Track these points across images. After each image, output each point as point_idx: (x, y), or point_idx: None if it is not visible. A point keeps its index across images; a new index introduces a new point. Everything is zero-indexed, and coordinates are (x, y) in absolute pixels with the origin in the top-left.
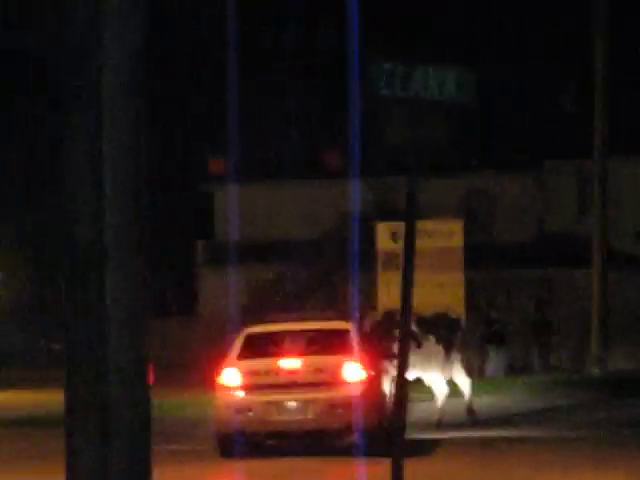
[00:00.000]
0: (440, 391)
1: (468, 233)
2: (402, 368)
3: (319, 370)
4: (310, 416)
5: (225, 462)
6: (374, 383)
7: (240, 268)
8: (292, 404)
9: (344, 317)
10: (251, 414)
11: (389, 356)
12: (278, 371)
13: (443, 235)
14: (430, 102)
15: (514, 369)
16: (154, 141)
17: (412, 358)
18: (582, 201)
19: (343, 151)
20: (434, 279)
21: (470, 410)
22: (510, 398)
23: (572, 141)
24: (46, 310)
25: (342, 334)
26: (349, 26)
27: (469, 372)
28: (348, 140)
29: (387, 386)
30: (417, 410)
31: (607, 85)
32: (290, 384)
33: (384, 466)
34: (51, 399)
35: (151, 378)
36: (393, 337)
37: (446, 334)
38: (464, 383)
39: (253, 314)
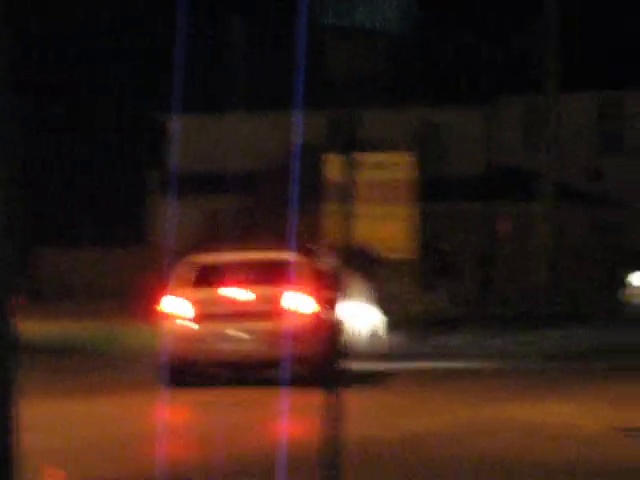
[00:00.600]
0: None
1: (420, 167)
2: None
3: (264, 300)
4: (255, 346)
5: (169, 391)
6: (322, 314)
7: (194, 198)
8: (237, 333)
9: (291, 248)
10: (196, 343)
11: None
12: (224, 300)
13: (392, 167)
14: (372, 32)
15: (457, 302)
16: (110, 76)
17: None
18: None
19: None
20: (383, 211)
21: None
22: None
23: (522, 76)
24: None
25: (289, 265)
26: None
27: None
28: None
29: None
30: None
31: (558, 20)
32: (235, 314)
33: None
34: None
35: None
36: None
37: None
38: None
39: (203, 244)
